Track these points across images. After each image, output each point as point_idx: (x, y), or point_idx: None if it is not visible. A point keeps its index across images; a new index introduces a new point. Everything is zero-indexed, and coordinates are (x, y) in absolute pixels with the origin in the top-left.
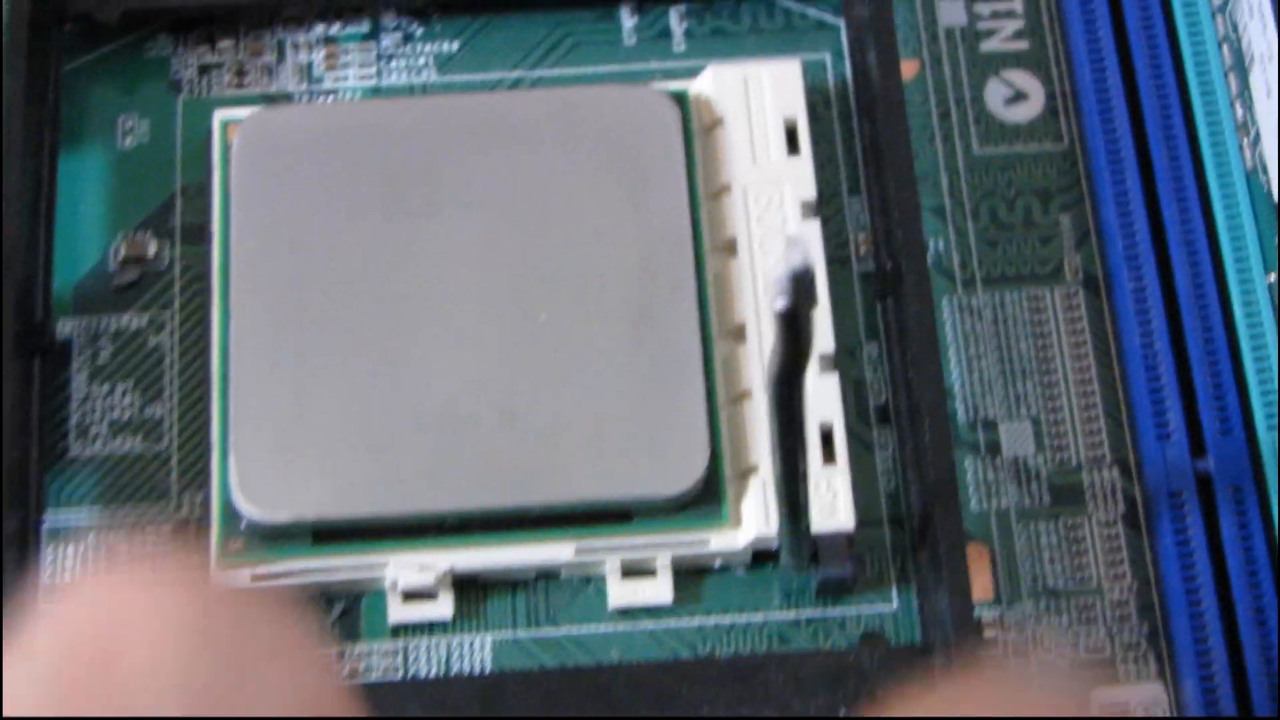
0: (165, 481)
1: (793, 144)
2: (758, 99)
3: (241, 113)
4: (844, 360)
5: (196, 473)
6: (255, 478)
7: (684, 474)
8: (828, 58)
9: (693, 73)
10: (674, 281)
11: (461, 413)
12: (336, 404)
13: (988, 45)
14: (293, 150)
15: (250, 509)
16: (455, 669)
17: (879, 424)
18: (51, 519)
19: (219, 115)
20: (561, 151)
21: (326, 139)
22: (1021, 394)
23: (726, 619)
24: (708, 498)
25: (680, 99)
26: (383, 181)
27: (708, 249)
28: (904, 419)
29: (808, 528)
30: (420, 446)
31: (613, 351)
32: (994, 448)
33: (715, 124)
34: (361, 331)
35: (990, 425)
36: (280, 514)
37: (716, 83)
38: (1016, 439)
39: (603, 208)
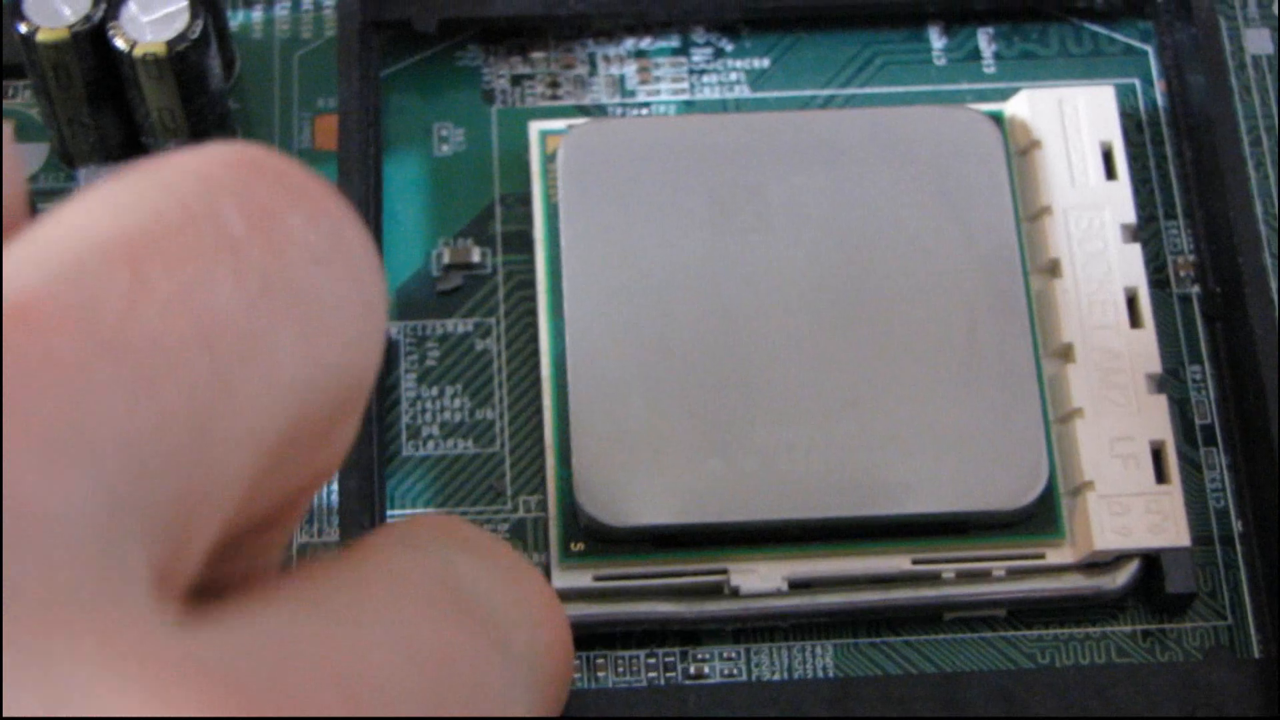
0: (500, 483)
1: (1109, 167)
2: (1073, 123)
3: (557, 124)
4: (1168, 382)
5: (531, 475)
6: (598, 483)
7: (1025, 489)
8: (1137, 83)
9: (1001, 95)
10: (1004, 300)
11: (801, 424)
12: (675, 412)
13: None
14: (617, 162)
15: (595, 513)
16: (798, 674)
17: (1205, 444)
18: (390, 517)
19: (536, 126)
20: (886, 170)
21: (651, 152)
22: None
23: (1064, 631)
24: (1043, 513)
25: (997, 120)
26: (708, 195)
27: (1030, 269)
28: (1237, 440)
29: None
30: (761, 456)
31: (947, 366)
32: None
33: (1031, 146)
34: (696, 342)
35: None
36: (624, 519)
37: (1032, 105)
38: None
39: (929, 226)
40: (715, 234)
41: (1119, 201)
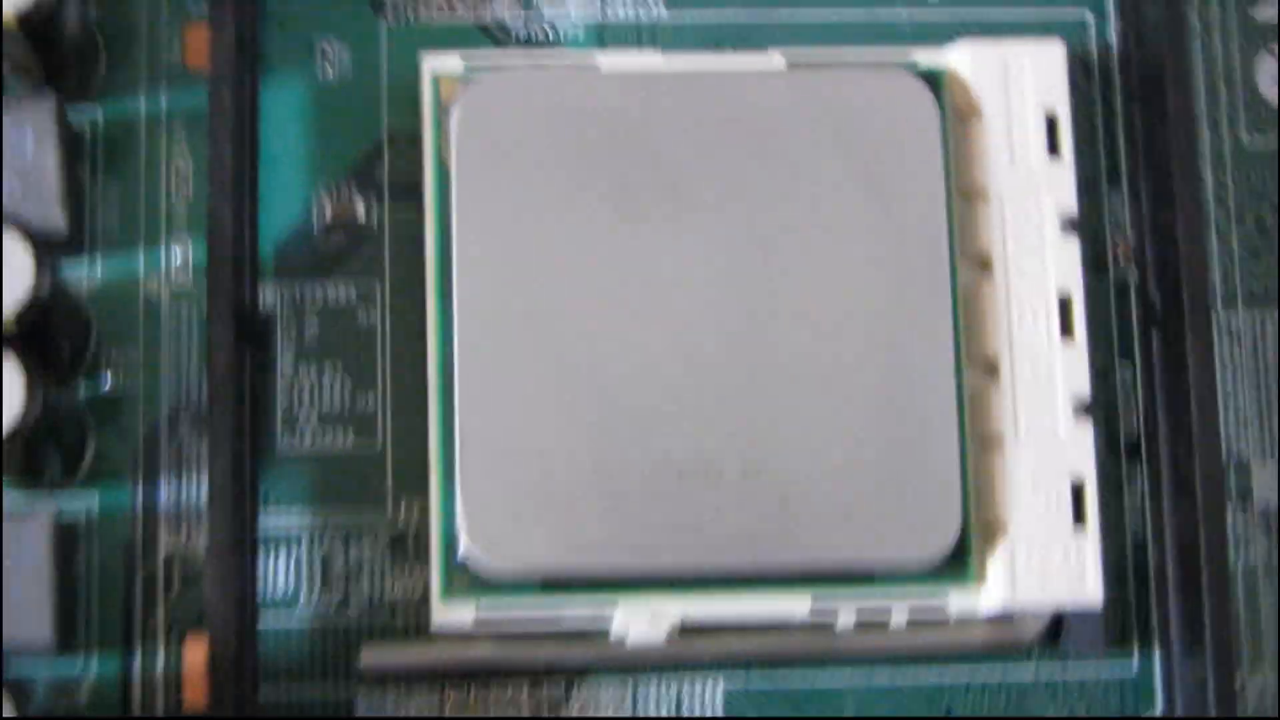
0: (380, 485)
1: (1052, 139)
2: (1017, 87)
3: (452, 61)
4: (1096, 385)
5: (414, 478)
6: (483, 524)
7: (934, 542)
8: (1090, 16)
9: (940, 26)
10: (927, 315)
11: (700, 463)
12: (568, 447)
13: (1263, 13)
14: (517, 127)
15: (479, 556)
16: (686, 711)
17: (1129, 460)
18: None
19: (429, 66)
20: (810, 143)
21: (554, 116)
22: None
23: (967, 680)
24: (952, 556)
25: (935, 79)
26: (616, 169)
27: (959, 255)
28: (1163, 466)
29: None
30: (656, 498)
31: (861, 393)
32: (1245, 492)
33: (971, 113)
34: (595, 367)
35: (1243, 467)
36: (509, 563)
37: (974, 63)
38: (1269, 482)
39: (852, 216)
40: (620, 220)
41: (1060, 185)
